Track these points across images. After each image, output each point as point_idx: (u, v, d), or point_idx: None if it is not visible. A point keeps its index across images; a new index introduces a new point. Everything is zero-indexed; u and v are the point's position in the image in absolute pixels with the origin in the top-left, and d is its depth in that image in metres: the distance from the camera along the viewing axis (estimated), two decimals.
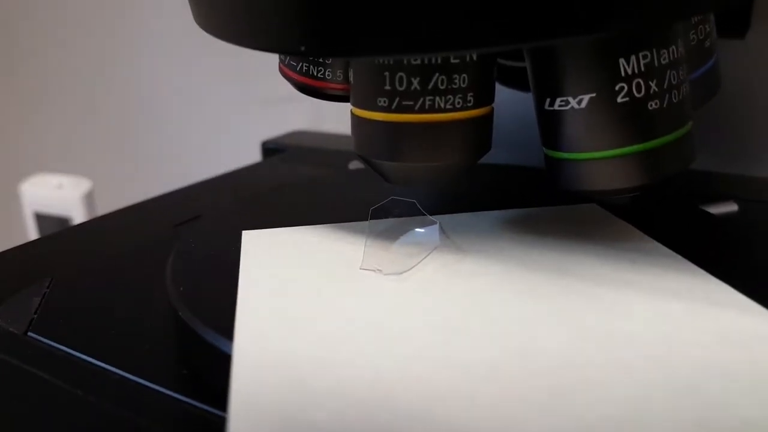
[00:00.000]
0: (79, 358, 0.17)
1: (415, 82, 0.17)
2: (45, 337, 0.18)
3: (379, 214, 0.21)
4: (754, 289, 0.15)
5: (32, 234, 0.59)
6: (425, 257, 0.18)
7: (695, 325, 0.14)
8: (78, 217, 0.56)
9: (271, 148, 0.42)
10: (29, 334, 0.18)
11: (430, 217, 0.20)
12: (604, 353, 0.13)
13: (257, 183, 0.34)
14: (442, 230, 0.20)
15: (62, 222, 0.57)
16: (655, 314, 0.15)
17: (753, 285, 0.16)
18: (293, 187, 0.27)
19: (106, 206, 0.38)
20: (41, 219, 0.58)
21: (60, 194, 0.57)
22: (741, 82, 0.28)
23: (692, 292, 0.16)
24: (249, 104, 0.60)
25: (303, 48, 0.14)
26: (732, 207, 0.24)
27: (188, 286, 0.18)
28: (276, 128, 0.46)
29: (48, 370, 0.16)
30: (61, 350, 0.17)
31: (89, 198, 0.57)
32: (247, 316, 0.16)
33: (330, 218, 0.22)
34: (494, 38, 0.13)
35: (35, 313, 0.19)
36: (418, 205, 0.21)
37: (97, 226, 0.28)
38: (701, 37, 0.19)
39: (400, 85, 0.17)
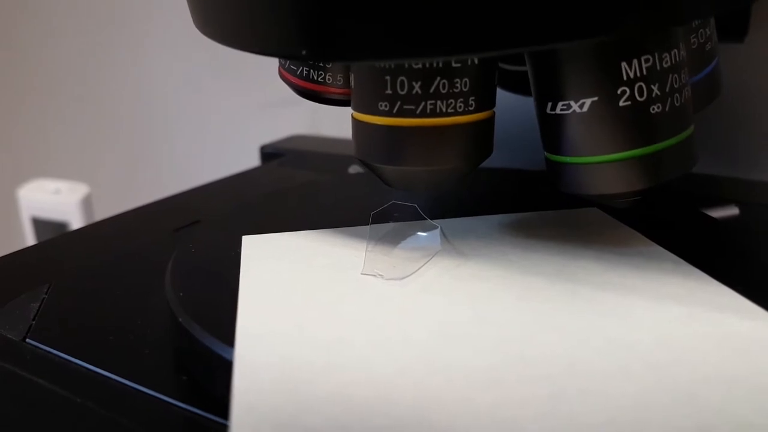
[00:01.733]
0: (77, 364, 0.17)
1: (417, 86, 0.17)
2: (43, 344, 0.18)
3: (379, 218, 0.21)
4: (756, 292, 0.15)
5: (30, 239, 0.59)
6: (426, 262, 0.18)
7: (697, 329, 0.14)
8: (75, 222, 0.56)
9: (269, 153, 0.41)
10: (27, 340, 0.18)
11: (431, 221, 0.20)
12: (605, 359, 0.13)
13: (256, 187, 0.34)
14: (443, 234, 0.20)
15: (60, 227, 0.57)
16: (658, 319, 0.15)
17: (755, 288, 0.16)
18: (293, 191, 0.27)
19: (103, 211, 0.38)
20: (38, 224, 0.58)
21: (57, 199, 0.57)
22: (741, 86, 0.28)
23: (695, 295, 0.16)
24: (247, 109, 0.60)
25: (304, 52, 0.14)
26: (733, 210, 0.24)
27: (188, 292, 0.18)
28: (275, 133, 0.46)
29: (46, 377, 0.16)
30: (60, 357, 0.17)
31: (87, 203, 0.56)
32: (248, 321, 0.15)
33: (330, 223, 0.22)
34: (496, 42, 0.13)
35: (33, 319, 0.19)
36: (419, 210, 0.21)
37: (94, 231, 0.28)
38: (702, 41, 0.19)
39: (402, 89, 0.17)
